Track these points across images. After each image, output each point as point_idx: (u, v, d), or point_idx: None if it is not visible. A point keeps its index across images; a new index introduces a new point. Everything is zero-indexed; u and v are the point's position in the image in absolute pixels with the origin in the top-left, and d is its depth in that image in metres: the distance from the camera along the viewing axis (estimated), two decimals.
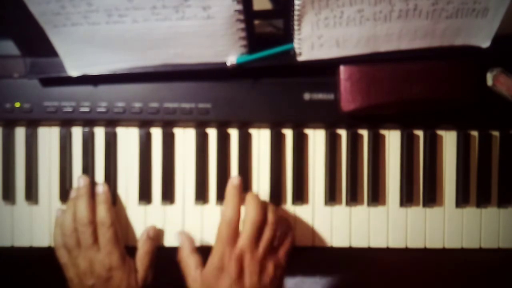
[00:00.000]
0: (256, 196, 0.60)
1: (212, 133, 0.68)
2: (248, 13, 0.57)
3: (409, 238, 0.68)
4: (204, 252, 0.66)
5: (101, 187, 0.65)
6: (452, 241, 0.68)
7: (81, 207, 0.62)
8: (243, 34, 0.59)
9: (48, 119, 0.66)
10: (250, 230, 0.58)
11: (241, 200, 0.60)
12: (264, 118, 0.66)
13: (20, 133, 0.67)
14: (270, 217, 0.59)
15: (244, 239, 0.58)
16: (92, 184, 0.66)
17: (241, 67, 0.62)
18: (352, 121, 0.66)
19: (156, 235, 0.66)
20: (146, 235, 0.65)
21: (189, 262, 0.61)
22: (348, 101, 0.62)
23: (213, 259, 0.59)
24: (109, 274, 0.60)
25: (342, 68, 0.62)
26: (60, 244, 0.63)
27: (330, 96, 0.65)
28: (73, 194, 0.65)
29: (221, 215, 0.60)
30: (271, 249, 0.59)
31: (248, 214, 0.59)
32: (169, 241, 0.67)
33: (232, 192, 0.61)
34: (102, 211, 0.63)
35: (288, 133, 0.68)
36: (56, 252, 0.63)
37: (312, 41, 0.60)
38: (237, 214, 0.59)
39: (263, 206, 0.60)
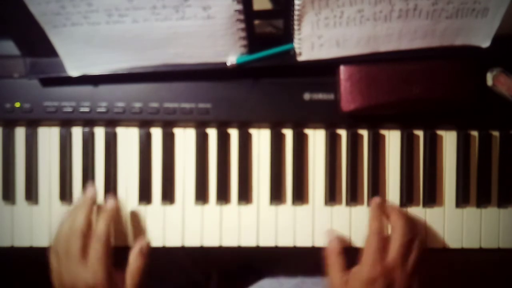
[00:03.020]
0: (404, 213, 0.63)
1: (212, 133, 0.68)
2: (248, 13, 0.57)
3: None
4: (205, 251, 0.66)
5: (111, 203, 0.63)
6: (452, 241, 0.68)
7: (79, 218, 0.60)
8: (243, 34, 0.59)
9: (48, 119, 0.65)
10: (400, 245, 0.59)
11: (384, 213, 0.64)
12: (264, 118, 0.66)
13: (20, 133, 0.67)
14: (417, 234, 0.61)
15: (394, 254, 0.59)
16: (93, 184, 0.66)
17: (241, 67, 0.62)
18: (352, 121, 0.66)
19: (149, 253, 0.63)
20: (139, 251, 0.62)
21: (335, 262, 0.62)
22: (348, 101, 0.62)
23: (362, 268, 0.60)
24: None
25: (342, 68, 0.62)
26: (53, 248, 0.61)
27: (330, 96, 0.65)
28: (79, 200, 0.64)
29: (368, 229, 0.63)
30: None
31: (397, 230, 0.60)
32: (169, 241, 0.67)
33: (375, 209, 0.64)
34: (102, 227, 0.60)
35: (288, 133, 0.68)
36: (49, 255, 0.62)
37: (312, 41, 0.60)
38: (383, 226, 0.62)
39: (411, 222, 0.61)
